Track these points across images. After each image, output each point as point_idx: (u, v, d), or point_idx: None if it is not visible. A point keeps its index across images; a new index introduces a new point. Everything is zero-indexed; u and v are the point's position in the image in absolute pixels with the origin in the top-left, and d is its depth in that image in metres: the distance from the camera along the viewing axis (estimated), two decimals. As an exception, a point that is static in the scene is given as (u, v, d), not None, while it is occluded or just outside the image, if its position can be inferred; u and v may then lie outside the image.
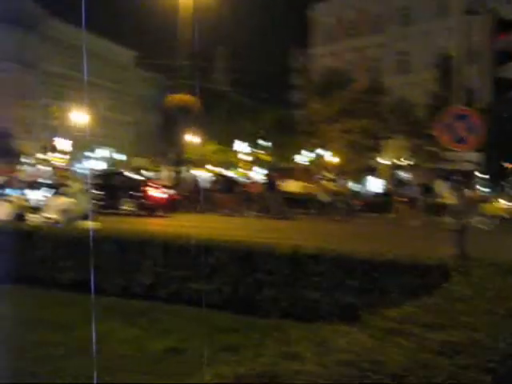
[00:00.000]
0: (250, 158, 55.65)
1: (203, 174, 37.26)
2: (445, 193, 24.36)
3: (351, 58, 52.02)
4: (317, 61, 54.84)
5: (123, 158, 52.84)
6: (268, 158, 53.85)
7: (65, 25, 65.39)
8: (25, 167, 35.96)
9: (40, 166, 34.49)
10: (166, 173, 34.62)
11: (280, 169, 39.48)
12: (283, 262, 8.34)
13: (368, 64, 51.46)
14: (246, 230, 16.53)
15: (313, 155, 46.15)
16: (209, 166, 48.23)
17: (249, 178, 33.76)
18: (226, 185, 29.49)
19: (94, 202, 17.06)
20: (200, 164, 44.69)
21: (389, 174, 43.01)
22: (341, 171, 37.23)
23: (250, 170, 52.65)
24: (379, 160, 44.10)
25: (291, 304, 8.13)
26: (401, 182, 34.17)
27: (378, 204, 29.69)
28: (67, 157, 44.60)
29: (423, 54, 46.79)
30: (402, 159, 43.46)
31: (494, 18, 44.26)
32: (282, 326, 7.42)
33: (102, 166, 42.51)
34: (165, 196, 24.86)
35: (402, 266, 7.65)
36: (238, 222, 22.47)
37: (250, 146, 55.77)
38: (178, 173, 32.37)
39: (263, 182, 29.84)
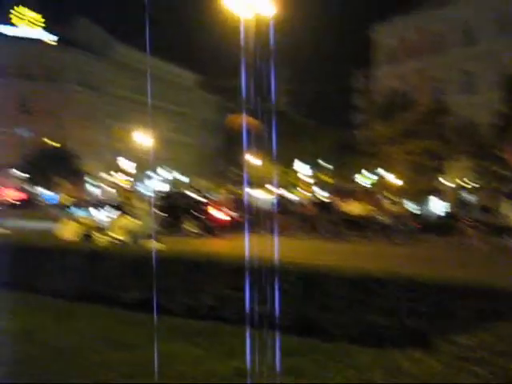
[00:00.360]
0: (310, 179, 55.50)
1: (263, 195, 37.32)
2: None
3: (414, 78, 51.51)
4: (379, 82, 54.57)
5: (186, 179, 53.54)
6: (329, 179, 53.61)
7: (131, 50, 67.20)
8: (90, 187, 36.85)
9: (104, 187, 35.28)
10: (227, 194, 34.83)
11: (341, 190, 39.23)
12: (348, 285, 8.24)
13: (431, 84, 50.83)
14: (303, 253, 16.42)
15: (374, 176, 45.71)
16: (269, 187, 48.29)
17: (308, 199, 33.60)
18: (283, 206, 29.49)
19: (157, 222, 17.31)
20: (260, 185, 44.79)
21: (452, 195, 42.14)
22: (403, 193, 36.71)
23: (310, 191, 52.48)
24: (442, 181, 43.29)
25: (356, 328, 8.00)
26: (465, 204, 33.41)
27: (441, 226, 29.02)
28: (131, 178, 45.52)
29: (487, 74, 45.97)
30: (466, 181, 42.53)
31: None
32: (348, 350, 7.33)
33: (165, 187, 43.13)
34: (226, 217, 25.01)
35: (471, 290, 7.44)
36: (296, 243, 22.38)
37: (310, 166, 55.66)
38: (239, 194, 32.54)
39: (317, 203, 29.69)
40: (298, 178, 55.30)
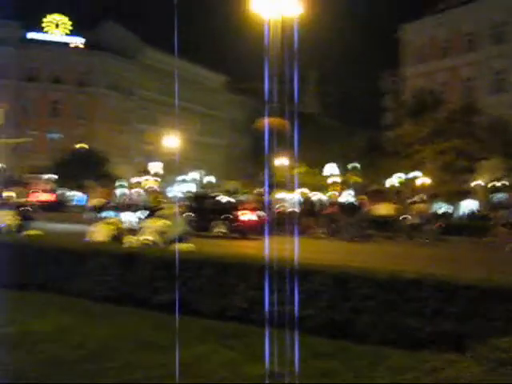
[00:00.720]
0: (339, 180, 55.25)
1: (292, 197, 37.25)
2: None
3: (444, 77, 51.02)
4: (408, 82, 54.14)
5: (215, 180, 53.68)
6: (358, 180, 53.31)
7: (159, 52, 67.66)
8: (120, 190, 37.12)
9: (135, 189, 35.53)
10: (254, 195, 34.86)
11: (370, 191, 38.96)
12: (380, 287, 8.16)
13: (461, 83, 50.31)
14: (329, 254, 16.34)
15: (403, 177, 45.33)
16: (298, 189, 48.15)
17: (335, 200, 33.41)
18: (310, 207, 29.48)
19: (187, 224, 17.38)
20: (289, 186, 44.72)
21: (484, 195, 41.59)
22: (433, 193, 36.34)
23: (339, 192, 52.22)
24: (474, 181, 42.76)
25: (389, 330, 7.92)
26: (498, 204, 32.90)
27: (472, 227, 28.67)
28: (160, 180, 45.80)
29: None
30: (499, 180, 41.95)
31: None
32: (380, 352, 7.26)
33: (195, 188, 43.26)
34: (255, 218, 25.04)
35: (508, 292, 7.31)
36: (321, 244, 22.33)
37: (339, 168, 55.44)
38: (268, 195, 32.54)
39: (345, 203, 29.60)
40: (327, 180, 55.10)
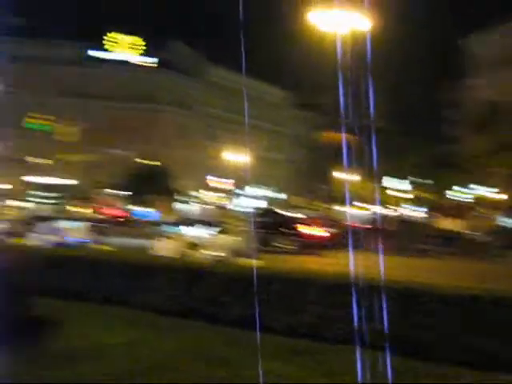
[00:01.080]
0: (401, 195, 54.59)
1: (357, 212, 37.03)
2: None
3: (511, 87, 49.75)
4: (473, 92, 53.02)
5: (280, 195, 53.75)
6: (422, 194, 52.55)
7: (222, 69, 68.55)
8: (185, 205, 37.63)
9: (201, 204, 35.97)
10: (320, 211, 34.82)
11: (434, 205, 38.36)
12: (449, 304, 8.02)
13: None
14: (395, 269, 16.03)
15: (469, 191, 44.45)
16: (361, 204, 47.81)
17: (398, 215, 33.03)
18: (374, 222, 29.22)
19: (253, 239, 17.45)
20: (352, 201, 44.46)
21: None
22: (500, 208, 35.47)
23: (401, 206, 51.61)
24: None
25: (461, 350, 7.73)
26: None
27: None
28: (226, 195, 46.20)
29: None
30: None
31: None
32: (453, 372, 7.12)
33: (260, 204, 43.42)
34: (320, 234, 24.99)
35: None
36: (386, 259, 21.96)
37: (400, 182, 54.78)
38: (332, 211, 32.47)
39: (408, 218, 29.22)
40: (388, 194, 54.49)
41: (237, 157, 48.90)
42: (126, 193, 52.72)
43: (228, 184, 51.31)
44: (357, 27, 15.26)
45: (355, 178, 47.30)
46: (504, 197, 39.13)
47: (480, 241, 25.49)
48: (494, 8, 54.11)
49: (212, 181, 53.38)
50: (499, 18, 51.95)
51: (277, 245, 24.23)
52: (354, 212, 35.52)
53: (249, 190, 49.96)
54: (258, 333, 8.25)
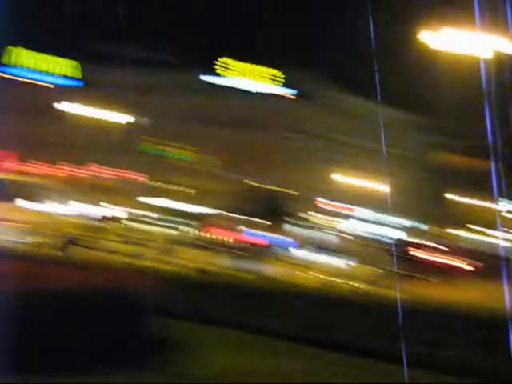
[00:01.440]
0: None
1: (489, 240, 35.34)
2: None
3: None
4: None
5: (416, 225, 51.86)
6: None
7: (344, 94, 68.29)
8: (310, 231, 37.45)
9: (328, 232, 35.73)
10: (454, 239, 33.68)
11: None
12: None
13: None
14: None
15: None
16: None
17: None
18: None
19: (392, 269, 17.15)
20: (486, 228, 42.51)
21: None
22: None
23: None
24: None
25: None
26: None
27: None
28: (362, 224, 45.14)
29: None
30: None
31: None
32: None
33: (397, 233, 42.05)
34: (458, 264, 24.39)
35: None
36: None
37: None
38: (468, 239, 31.28)
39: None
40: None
41: (368, 183, 48.12)
42: (251, 218, 53.27)
43: (367, 213, 50.12)
44: (501, 51, 14.77)
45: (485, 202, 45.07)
46: None
47: None
48: None
49: (326, 204, 52.64)
50: None
51: (414, 274, 23.74)
52: (487, 240, 33.97)
53: (384, 217, 48.71)
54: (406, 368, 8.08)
